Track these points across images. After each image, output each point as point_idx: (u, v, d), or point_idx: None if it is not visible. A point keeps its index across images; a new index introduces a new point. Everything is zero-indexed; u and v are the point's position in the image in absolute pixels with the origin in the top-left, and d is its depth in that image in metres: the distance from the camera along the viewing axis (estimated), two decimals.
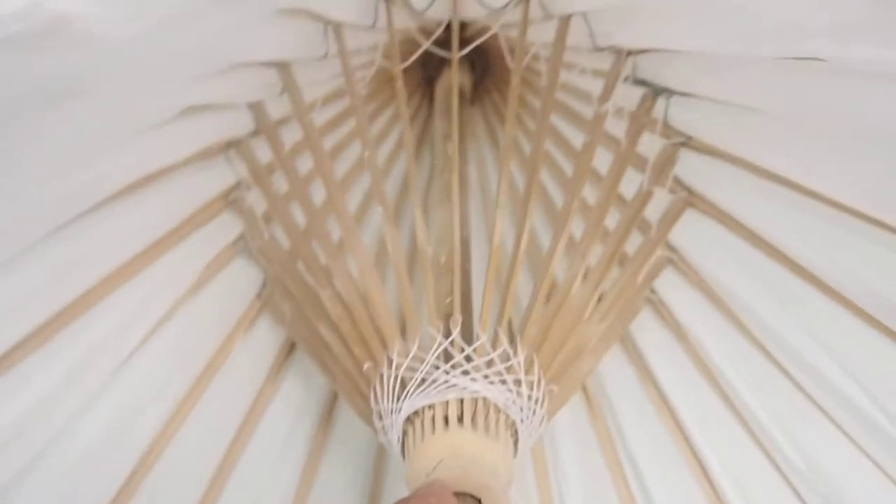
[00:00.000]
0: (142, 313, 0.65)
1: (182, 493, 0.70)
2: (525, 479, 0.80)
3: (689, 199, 0.73)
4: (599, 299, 0.66)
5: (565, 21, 0.71)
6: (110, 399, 0.64)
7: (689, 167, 0.73)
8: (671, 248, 0.76)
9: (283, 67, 0.70)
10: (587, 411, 0.80)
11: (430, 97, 0.91)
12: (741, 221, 0.70)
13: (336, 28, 0.70)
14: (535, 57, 0.77)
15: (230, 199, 0.73)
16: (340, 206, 0.63)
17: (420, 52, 0.73)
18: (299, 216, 0.70)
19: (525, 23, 0.71)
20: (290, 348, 0.78)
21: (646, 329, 0.78)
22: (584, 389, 0.80)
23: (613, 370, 0.79)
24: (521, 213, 0.64)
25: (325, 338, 0.62)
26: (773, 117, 0.63)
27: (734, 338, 0.72)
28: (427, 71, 0.91)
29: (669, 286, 0.77)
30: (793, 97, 0.60)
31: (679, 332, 0.76)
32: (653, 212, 0.73)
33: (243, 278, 0.75)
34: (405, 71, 0.76)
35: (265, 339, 0.77)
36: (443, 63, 0.87)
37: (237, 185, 0.73)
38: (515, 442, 0.58)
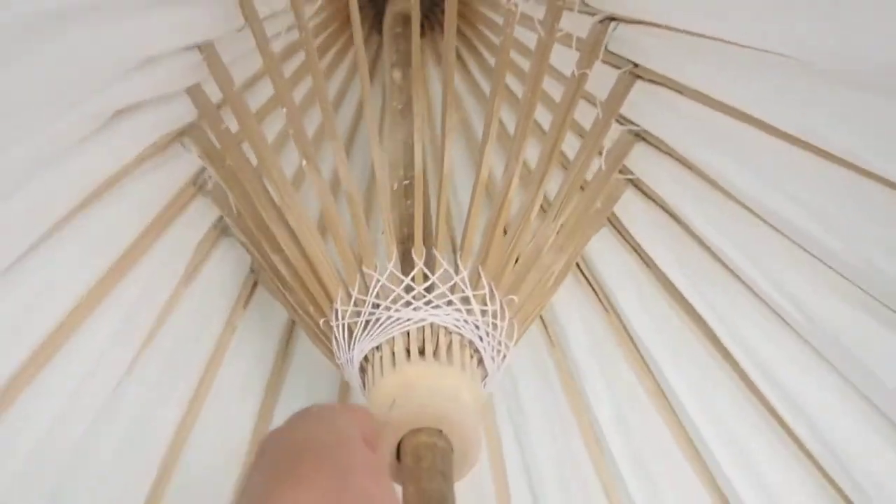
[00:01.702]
0: (136, 316, 0.69)
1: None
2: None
3: (634, 70, 0.70)
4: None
5: None
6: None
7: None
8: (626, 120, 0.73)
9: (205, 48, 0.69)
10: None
11: (378, 29, 0.90)
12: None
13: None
14: None
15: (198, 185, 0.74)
16: (276, 174, 0.64)
17: None
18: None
19: None
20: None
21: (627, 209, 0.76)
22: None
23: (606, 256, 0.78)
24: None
25: (289, 300, 0.65)
26: None
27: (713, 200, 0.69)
28: (376, 5, 0.90)
29: (640, 160, 0.74)
30: None
31: (661, 205, 0.74)
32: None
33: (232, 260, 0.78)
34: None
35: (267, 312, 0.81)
36: None
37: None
38: (480, 361, 0.58)
